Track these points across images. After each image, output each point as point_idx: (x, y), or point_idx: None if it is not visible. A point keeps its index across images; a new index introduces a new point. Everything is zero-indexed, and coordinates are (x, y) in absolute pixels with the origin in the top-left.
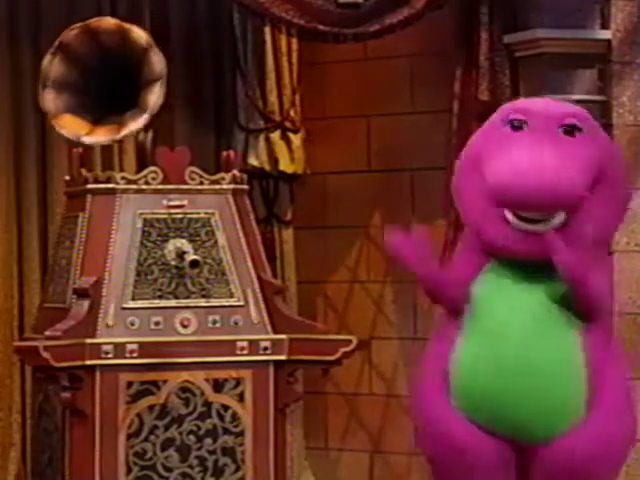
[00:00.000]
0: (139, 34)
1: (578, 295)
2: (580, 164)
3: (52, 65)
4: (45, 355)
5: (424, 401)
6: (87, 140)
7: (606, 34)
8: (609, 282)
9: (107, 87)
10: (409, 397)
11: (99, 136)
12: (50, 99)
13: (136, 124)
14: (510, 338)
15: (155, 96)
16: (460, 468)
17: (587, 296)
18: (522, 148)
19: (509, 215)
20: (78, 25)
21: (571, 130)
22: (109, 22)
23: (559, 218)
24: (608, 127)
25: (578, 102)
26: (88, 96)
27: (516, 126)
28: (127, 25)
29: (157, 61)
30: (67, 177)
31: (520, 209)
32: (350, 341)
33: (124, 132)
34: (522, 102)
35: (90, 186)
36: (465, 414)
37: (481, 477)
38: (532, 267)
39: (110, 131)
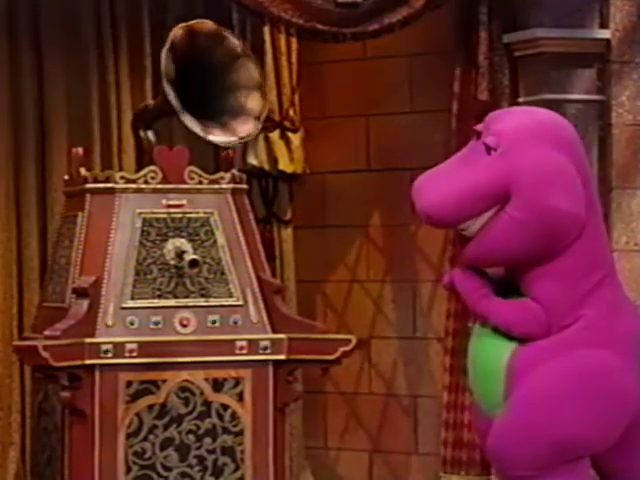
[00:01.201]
0: (234, 41)
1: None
2: (467, 188)
3: (167, 62)
4: (44, 354)
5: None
6: (213, 139)
7: (605, 34)
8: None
9: (197, 89)
10: None
11: (219, 136)
12: (173, 97)
13: (249, 128)
14: (472, 339)
15: (259, 103)
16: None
17: (493, 322)
18: (448, 160)
19: None
20: (183, 25)
21: (487, 149)
22: (209, 25)
23: (473, 227)
24: (607, 127)
25: (577, 102)
26: (187, 96)
27: (477, 134)
28: (224, 30)
29: (254, 68)
30: (66, 176)
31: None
32: (349, 340)
33: (241, 134)
34: (493, 114)
35: (89, 185)
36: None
37: None
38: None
39: (224, 132)
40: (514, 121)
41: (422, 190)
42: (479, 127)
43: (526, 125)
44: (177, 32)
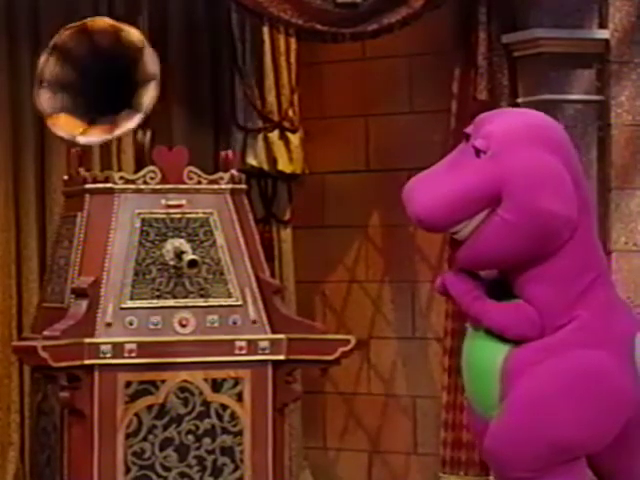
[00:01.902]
0: (133, 34)
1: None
2: (458, 191)
3: (47, 65)
4: (43, 355)
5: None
6: (82, 140)
7: (604, 34)
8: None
9: (102, 87)
10: None
11: (93, 136)
12: (45, 99)
13: (130, 124)
14: (467, 341)
15: (149, 96)
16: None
17: (486, 325)
18: (440, 163)
19: None
20: (72, 25)
21: (477, 152)
22: (103, 22)
23: (464, 230)
24: (606, 127)
25: (576, 102)
26: (83, 96)
27: (466, 137)
28: (121, 25)
29: (151, 61)
30: (65, 177)
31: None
32: (348, 341)
33: (118, 131)
34: (482, 115)
35: (88, 186)
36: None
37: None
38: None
39: (104, 131)
40: (504, 123)
41: (413, 194)
42: (468, 130)
43: (516, 127)
44: (63, 33)
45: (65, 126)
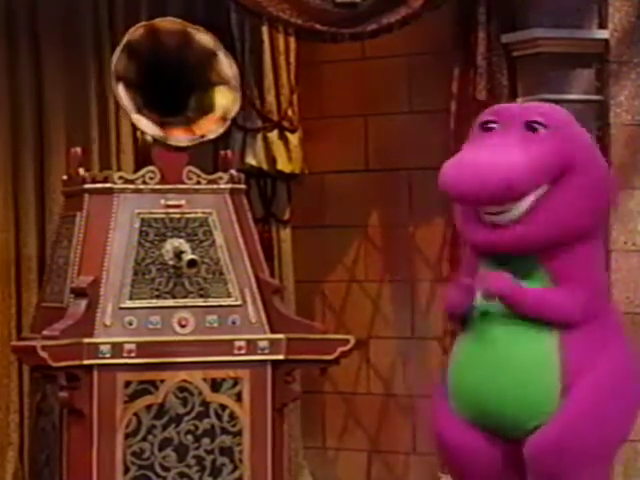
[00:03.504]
0: (205, 36)
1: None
2: (531, 156)
3: (120, 62)
4: (43, 355)
5: (431, 407)
6: (173, 141)
7: (604, 34)
8: (596, 278)
9: (165, 87)
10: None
11: (178, 136)
12: (124, 96)
13: (217, 127)
14: (489, 338)
15: (229, 99)
16: (459, 466)
17: (536, 314)
18: (482, 142)
19: (480, 211)
20: (143, 24)
21: (534, 127)
22: (173, 22)
23: (518, 210)
24: (605, 127)
25: (575, 102)
26: (150, 95)
27: (486, 128)
28: (192, 27)
29: (227, 64)
30: (65, 177)
31: (464, 202)
32: (348, 340)
33: (199, 132)
34: (498, 105)
35: (88, 186)
36: (461, 414)
37: (478, 474)
38: (515, 269)
39: (185, 131)
40: (548, 105)
41: (487, 166)
42: (488, 118)
43: (562, 109)
44: (135, 31)
45: (146, 125)
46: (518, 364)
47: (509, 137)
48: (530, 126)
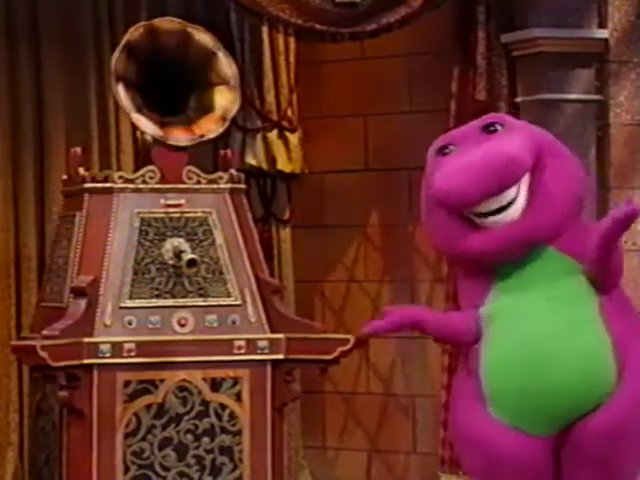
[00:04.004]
0: (205, 36)
1: (602, 263)
2: (511, 140)
3: (119, 62)
4: (42, 354)
5: (459, 415)
6: (173, 141)
7: (603, 33)
8: None
9: (163, 87)
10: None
11: (178, 135)
12: (124, 96)
13: (216, 126)
14: (529, 333)
15: (228, 99)
16: (502, 474)
17: (611, 263)
18: (452, 158)
19: (475, 219)
20: (142, 24)
21: (492, 129)
22: (172, 23)
23: (520, 199)
24: (605, 126)
25: (575, 102)
26: (149, 94)
27: (445, 152)
28: (191, 27)
29: (226, 64)
30: (64, 176)
31: (470, 202)
32: (347, 340)
33: (199, 131)
34: (450, 132)
35: (87, 185)
36: (501, 418)
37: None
38: (529, 268)
39: (184, 131)
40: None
41: (485, 159)
42: (444, 142)
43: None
44: (135, 31)
45: (146, 125)
46: (566, 352)
47: (474, 146)
48: (488, 129)
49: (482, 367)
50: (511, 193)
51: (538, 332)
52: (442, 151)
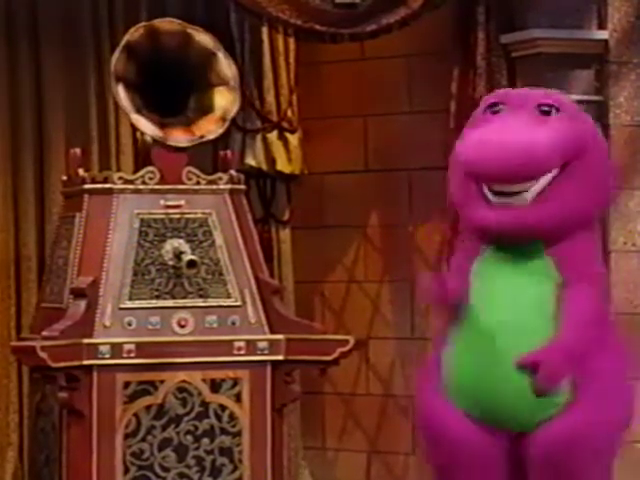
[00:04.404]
0: (205, 37)
1: None
2: (552, 135)
3: (119, 63)
4: (42, 355)
5: (422, 399)
6: (172, 141)
7: (603, 34)
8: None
9: (162, 87)
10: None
11: (178, 136)
12: (123, 97)
13: (216, 127)
14: (486, 327)
15: (228, 100)
16: (456, 461)
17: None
18: (493, 124)
19: (488, 193)
20: (143, 24)
21: (547, 110)
22: (172, 23)
23: (532, 191)
24: (605, 127)
25: (575, 102)
26: (149, 95)
27: (495, 110)
28: (191, 27)
29: (226, 65)
30: (64, 177)
31: (488, 179)
32: (347, 341)
33: (199, 132)
34: (503, 90)
35: (87, 186)
36: (460, 408)
37: (477, 470)
38: (520, 259)
39: (184, 132)
40: (550, 91)
41: (512, 141)
42: (495, 100)
43: (566, 97)
44: (135, 31)
45: (145, 126)
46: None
47: (522, 118)
48: (542, 109)
49: (444, 354)
50: (532, 183)
51: (494, 328)
52: (492, 108)
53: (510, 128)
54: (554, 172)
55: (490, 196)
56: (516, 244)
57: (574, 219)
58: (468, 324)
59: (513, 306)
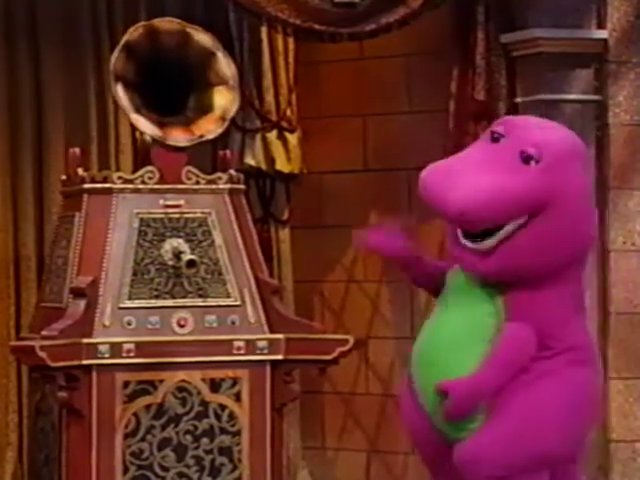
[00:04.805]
0: (204, 37)
1: None
2: (502, 191)
3: (118, 62)
4: (42, 355)
5: (399, 394)
6: (172, 141)
7: (602, 34)
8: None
9: (161, 87)
10: None
11: (177, 136)
12: (123, 96)
13: (215, 127)
14: (427, 346)
15: (227, 99)
16: (418, 452)
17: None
18: (461, 157)
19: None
20: (142, 24)
21: (526, 158)
22: (172, 23)
23: (494, 239)
24: (604, 127)
25: (574, 102)
26: (149, 95)
27: (494, 138)
28: (191, 27)
29: (225, 64)
30: (64, 177)
31: (432, 208)
32: (347, 340)
33: (199, 132)
34: (512, 119)
35: (87, 186)
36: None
37: (426, 457)
38: (474, 290)
39: (183, 131)
40: (554, 135)
41: (452, 185)
42: (498, 129)
43: (567, 141)
44: (134, 31)
45: (145, 125)
46: (447, 372)
47: (499, 159)
48: (522, 157)
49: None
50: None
51: (431, 346)
52: (493, 135)
53: (469, 165)
54: (517, 223)
55: (459, 234)
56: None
57: (528, 271)
58: (425, 327)
59: (456, 328)
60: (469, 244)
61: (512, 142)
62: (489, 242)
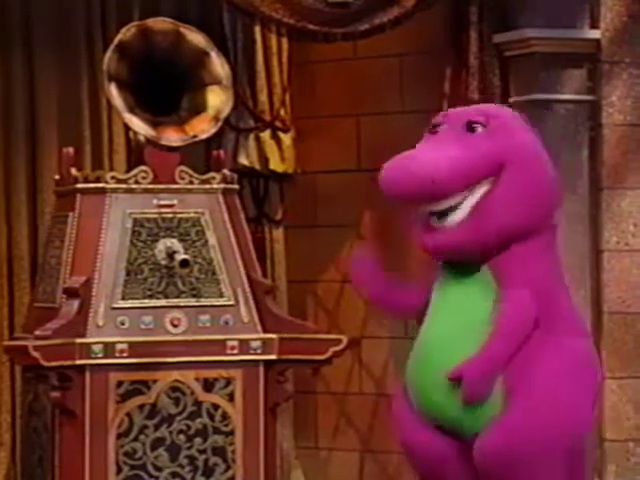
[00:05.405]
0: (197, 36)
1: None
2: (463, 158)
3: (112, 62)
4: (35, 354)
5: (393, 402)
6: (165, 141)
7: (595, 34)
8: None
9: (154, 87)
10: None
11: (171, 136)
12: (116, 96)
13: (209, 126)
14: (427, 343)
15: (220, 99)
16: (412, 462)
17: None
18: (419, 146)
19: (429, 215)
20: (135, 24)
21: (473, 127)
22: (165, 23)
23: (461, 210)
24: (597, 127)
25: (567, 102)
26: (142, 94)
27: (433, 131)
28: (184, 27)
29: (219, 64)
30: (57, 176)
31: (396, 201)
32: (340, 340)
33: (192, 132)
34: (451, 110)
35: (80, 185)
36: (418, 411)
37: (429, 471)
38: (462, 273)
39: (176, 131)
40: (494, 106)
41: (413, 165)
42: (436, 120)
43: (508, 110)
44: (128, 31)
45: (138, 125)
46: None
47: (448, 137)
48: (469, 126)
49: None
50: (449, 202)
51: (430, 342)
52: (431, 129)
53: (422, 149)
54: (483, 189)
55: (429, 218)
56: (458, 261)
57: (504, 234)
58: (418, 335)
59: (450, 321)
60: (440, 224)
61: (454, 121)
62: (459, 214)
